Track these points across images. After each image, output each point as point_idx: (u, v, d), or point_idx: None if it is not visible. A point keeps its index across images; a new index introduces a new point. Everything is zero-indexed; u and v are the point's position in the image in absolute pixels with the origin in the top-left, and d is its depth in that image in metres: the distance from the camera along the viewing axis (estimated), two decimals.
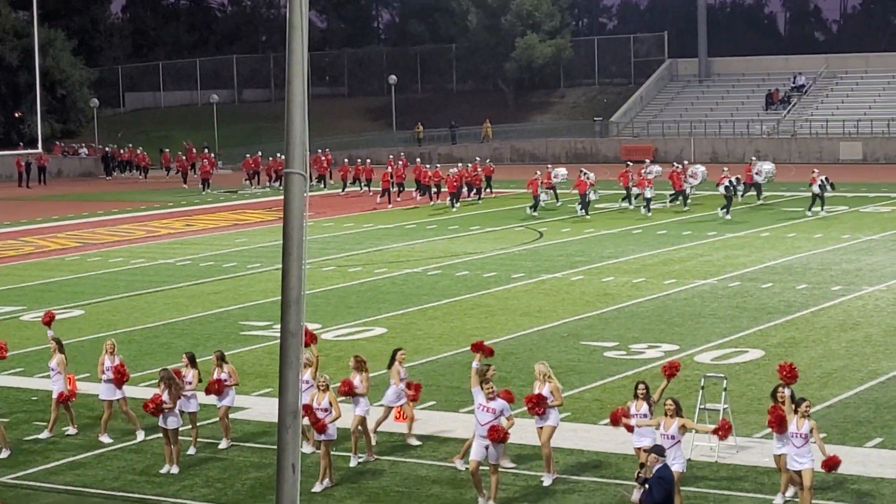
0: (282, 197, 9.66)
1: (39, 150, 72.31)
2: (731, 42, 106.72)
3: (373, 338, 28.67)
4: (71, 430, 21.74)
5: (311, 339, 20.36)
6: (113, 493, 18.75)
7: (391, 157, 65.00)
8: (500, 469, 17.74)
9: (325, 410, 18.63)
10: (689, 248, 41.54)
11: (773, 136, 79.94)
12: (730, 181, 49.56)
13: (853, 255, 38.92)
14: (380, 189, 58.88)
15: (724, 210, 48.70)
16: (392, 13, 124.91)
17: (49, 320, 22.85)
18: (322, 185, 67.65)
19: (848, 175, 62.21)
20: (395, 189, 59.42)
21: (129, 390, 21.68)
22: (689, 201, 52.48)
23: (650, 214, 50.29)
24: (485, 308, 31.96)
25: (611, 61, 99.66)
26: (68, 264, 41.92)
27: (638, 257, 39.65)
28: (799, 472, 16.64)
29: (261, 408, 22.63)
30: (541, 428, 18.55)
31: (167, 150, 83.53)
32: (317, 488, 18.45)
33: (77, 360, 26.06)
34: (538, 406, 18.38)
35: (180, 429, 19.83)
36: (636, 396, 17.61)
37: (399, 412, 20.79)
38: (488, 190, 60.09)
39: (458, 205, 55.29)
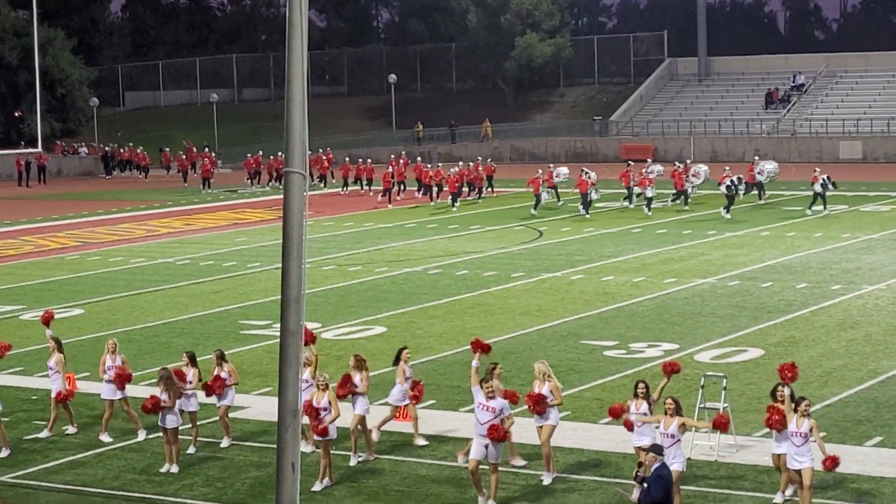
0: (282, 196, 9.66)
1: (39, 149, 72.31)
2: (730, 41, 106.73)
3: (373, 337, 28.67)
4: (70, 430, 21.74)
5: (310, 338, 20.34)
6: (113, 492, 18.74)
7: (392, 156, 65.01)
8: (500, 468, 17.74)
9: (325, 410, 18.64)
10: (689, 247, 41.54)
11: (772, 135, 79.95)
12: (731, 180, 49.53)
13: (853, 254, 38.92)
14: (381, 189, 58.88)
15: (726, 210, 48.67)
16: (392, 12, 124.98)
17: (48, 319, 22.84)
18: (322, 185, 67.65)
19: (848, 174, 62.19)
20: (396, 188, 59.46)
21: (130, 390, 21.67)
22: (689, 200, 52.47)
23: (650, 213, 50.29)
24: (485, 307, 31.97)
25: (610, 60, 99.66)
26: (68, 263, 41.92)
27: (638, 256, 39.65)
28: (798, 472, 16.65)
29: (260, 407, 22.62)
30: (540, 427, 18.55)
31: (167, 149, 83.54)
32: (317, 487, 18.45)
33: (77, 359, 26.07)
34: (538, 405, 18.38)
35: (180, 428, 19.85)
36: (636, 395, 17.62)
37: (403, 411, 20.76)
38: (489, 189, 60.04)
39: (458, 204, 55.30)
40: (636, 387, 17.73)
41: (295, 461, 9.33)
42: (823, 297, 32.06)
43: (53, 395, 21.54)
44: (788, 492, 17.34)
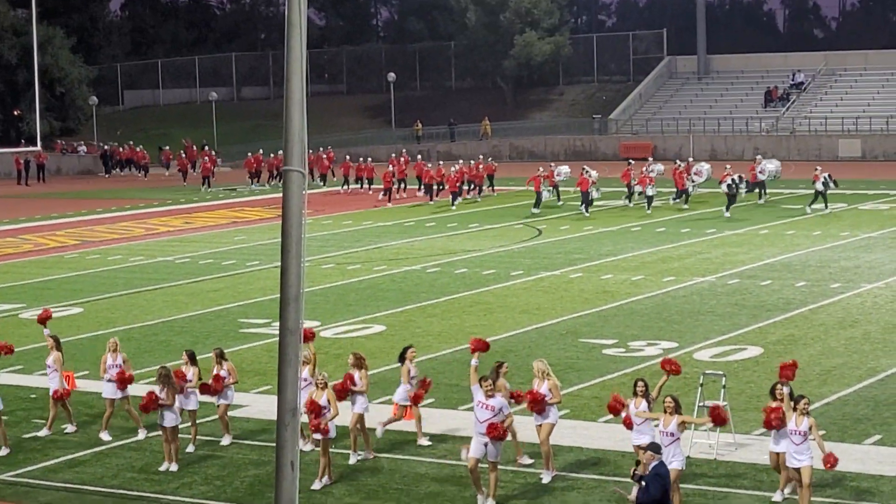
0: (281, 195, 9.65)
1: (38, 147, 72.29)
2: (730, 39, 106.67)
3: (372, 335, 28.68)
4: (70, 428, 21.74)
5: (309, 336, 20.30)
6: (112, 490, 18.75)
7: (393, 155, 64.97)
8: (499, 466, 17.74)
9: (324, 408, 18.64)
10: (688, 245, 41.55)
11: (771, 133, 79.96)
12: (732, 179, 49.46)
13: (852, 253, 38.93)
14: (381, 188, 58.87)
15: (726, 208, 48.62)
16: (391, 11, 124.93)
17: (45, 318, 22.79)
18: (322, 183, 67.64)
19: (847, 172, 62.15)
20: (397, 186, 59.46)
21: (131, 389, 21.65)
22: (689, 199, 52.44)
23: (650, 212, 50.27)
24: (484, 306, 31.97)
25: (610, 58, 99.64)
26: (67, 262, 41.92)
27: (637, 255, 39.65)
28: (798, 470, 16.65)
29: (260, 405, 22.63)
30: (540, 425, 18.56)
31: (167, 147, 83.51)
32: (316, 486, 18.45)
33: (76, 357, 26.09)
34: (537, 404, 18.39)
35: (180, 426, 19.86)
36: (635, 394, 17.62)
37: (408, 411, 20.71)
38: (490, 188, 59.92)
39: (459, 199, 55.31)
40: (635, 385, 17.73)
41: (294, 460, 9.33)
42: (822, 295, 32.06)
43: (51, 393, 21.55)
44: (787, 490, 17.35)
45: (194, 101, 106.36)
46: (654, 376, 19.15)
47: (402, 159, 63.20)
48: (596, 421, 21.26)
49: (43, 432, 21.62)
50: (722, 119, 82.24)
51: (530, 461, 19.07)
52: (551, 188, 54.17)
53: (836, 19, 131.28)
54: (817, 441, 16.78)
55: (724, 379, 19.88)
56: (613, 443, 19.81)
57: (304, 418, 18.36)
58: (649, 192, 50.97)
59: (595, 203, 51.59)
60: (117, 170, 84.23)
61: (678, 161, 55.55)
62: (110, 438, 21.13)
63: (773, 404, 17.22)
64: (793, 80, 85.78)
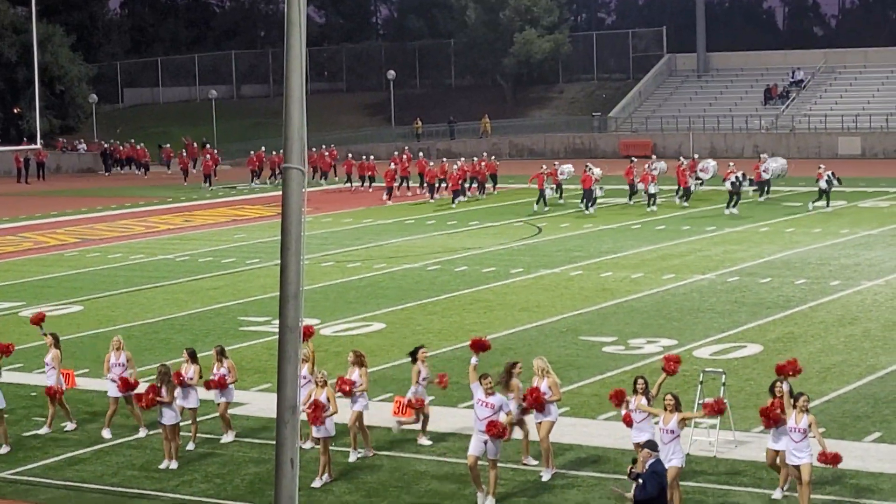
0: (280, 192, 9.65)
1: (38, 145, 72.23)
2: (729, 37, 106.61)
3: (372, 333, 28.68)
4: (69, 426, 21.75)
5: (307, 334, 20.24)
6: (112, 488, 18.76)
7: (396, 152, 64.95)
8: (499, 464, 17.75)
9: (324, 406, 18.65)
10: (688, 243, 41.54)
11: (771, 131, 79.95)
12: (736, 176, 49.36)
13: (852, 250, 38.94)
14: (383, 185, 58.84)
15: (733, 205, 48.55)
16: (390, 8, 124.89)
17: (38, 320, 22.72)
18: (323, 181, 67.63)
19: (846, 170, 62.05)
20: (400, 183, 59.43)
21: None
22: (690, 196, 52.40)
23: (655, 209, 50.11)
24: (483, 303, 31.97)
25: (609, 56, 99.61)
26: (67, 260, 41.92)
27: (636, 252, 39.66)
28: (797, 467, 16.66)
29: (260, 403, 22.63)
30: (540, 423, 18.57)
31: (167, 145, 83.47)
32: (316, 484, 18.46)
33: (76, 355, 26.11)
34: (536, 401, 18.40)
35: (181, 424, 19.87)
36: (635, 391, 17.64)
37: (406, 409, 20.67)
38: (490, 186, 59.75)
39: (462, 198, 55.28)
40: (635, 383, 17.75)
41: (294, 457, 9.33)
42: (822, 293, 32.07)
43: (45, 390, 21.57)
44: (786, 487, 17.35)
45: (194, 99, 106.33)
46: (654, 374, 19.16)
47: (405, 156, 63.20)
48: (596, 418, 21.27)
49: (43, 430, 21.63)
50: (721, 117, 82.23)
51: (535, 462, 19.04)
52: (554, 186, 54.12)
53: (835, 17, 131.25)
54: (817, 438, 16.79)
55: (723, 376, 19.89)
56: (613, 440, 19.81)
57: (304, 416, 18.37)
58: (651, 189, 50.91)
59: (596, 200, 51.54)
60: (117, 168, 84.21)
61: (682, 158, 55.54)
62: (111, 436, 21.14)
63: (769, 401, 17.24)
64: (792, 77, 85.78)
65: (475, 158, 60.25)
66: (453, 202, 54.69)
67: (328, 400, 18.68)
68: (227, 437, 20.72)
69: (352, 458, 19.58)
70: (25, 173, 77.02)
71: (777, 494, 17.40)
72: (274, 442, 9.42)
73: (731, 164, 51.91)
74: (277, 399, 9.37)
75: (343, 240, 44.65)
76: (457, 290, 33.96)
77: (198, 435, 20.61)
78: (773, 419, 16.99)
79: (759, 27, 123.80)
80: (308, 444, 19.56)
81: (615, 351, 26.19)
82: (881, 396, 22.28)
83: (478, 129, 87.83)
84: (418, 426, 20.49)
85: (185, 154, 77.17)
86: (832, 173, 49.39)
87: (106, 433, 21.20)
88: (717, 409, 17.65)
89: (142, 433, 21.19)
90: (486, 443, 17.37)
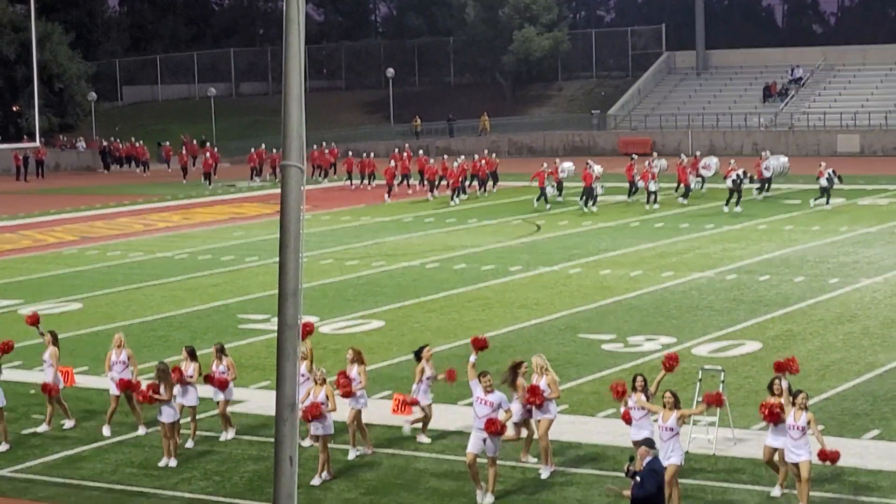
0: (279, 190, 9.66)
1: (37, 143, 72.21)
2: (728, 35, 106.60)
3: (370, 331, 28.69)
4: (68, 424, 21.75)
5: (306, 331, 20.23)
6: (111, 486, 18.76)
7: (396, 150, 64.93)
8: (498, 462, 17.76)
9: (322, 405, 18.65)
10: (687, 240, 41.55)
11: (770, 128, 79.96)
12: (737, 174, 49.32)
13: (850, 248, 38.94)
14: (383, 183, 58.81)
15: (735, 203, 48.49)
16: (389, 6, 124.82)
17: (34, 321, 22.70)
18: (323, 179, 67.61)
19: (845, 167, 62.04)
20: (399, 181, 59.40)
21: None
22: (689, 194, 52.38)
23: (657, 206, 50.04)
24: (482, 301, 31.97)
25: (608, 54, 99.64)
26: (66, 258, 41.92)
27: (635, 250, 39.66)
28: (797, 465, 16.67)
29: (259, 401, 22.63)
30: (538, 420, 18.58)
31: (167, 143, 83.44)
32: (315, 481, 18.47)
33: (75, 353, 26.10)
34: (535, 399, 18.40)
35: (180, 422, 19.88)
36: (634, 389, 17.65)
37: (406, 407, 20.67)
38: (491, 184, 59.65)
39: (464, 196, 55.28)
40: (634, 380, 17.76)
41: (293, 455, 9.33)
42: (821, 290, 32.08)
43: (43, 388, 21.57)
44: (785, 485, 17.37)
45: (193, 97, 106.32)
46: (653, 372, 19.17)
47: (405, 154, 63.20)
48: (595, 416, 21.28)
49: (42, 428, 21.63)
50: (721, 114, 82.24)
51: (534, 460, 19.05)
52: (555, 184, 54.09)
53: (834, 14, 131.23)
54: (816, 436, 16.80)
55: (722, 374, 19.89)
56: (612, 438, 19.82)
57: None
58: (652, 187, 50.86)
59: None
60: (116, 166, 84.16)
61: (682, 156, 55.49)
62: (110, 434, 21.14)
63: (771, 399, 17.24)
64: (791, 75, 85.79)
65: (475, 156, 60.24)
66: (452, 200, 54.67)
67: (327, 398, 18.69)
68: (227, 435, 20.73)
69: (351, 456, 19.60)
70: (24, 171, 76.99)
71: (776, 492, 17.41)
72: (273, 439, 9.42)
73: (732, 161, 51.89)
74: (276, 396, 9.37)
75: (342, 237, 44.65)
76: (455, 287, 33.96)
77: (197, 432, 20.62)
78: (773, 415, 16.99)
79: (758, 25, 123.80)
80: (307, 442, 19.57)
81: (614, 349, 26.20)
82: (880, 394, 22.29)
83: (477, 127, 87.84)
84: (419, 414, 20.47)
85: (184, 152, 77.12)
86: (833, 171, 49.37)
87: (106, 430, 21.21)
88: (716, 401, 17.66)
89: (141, 431, 21.19)
90: (484, 440, 17.38)
